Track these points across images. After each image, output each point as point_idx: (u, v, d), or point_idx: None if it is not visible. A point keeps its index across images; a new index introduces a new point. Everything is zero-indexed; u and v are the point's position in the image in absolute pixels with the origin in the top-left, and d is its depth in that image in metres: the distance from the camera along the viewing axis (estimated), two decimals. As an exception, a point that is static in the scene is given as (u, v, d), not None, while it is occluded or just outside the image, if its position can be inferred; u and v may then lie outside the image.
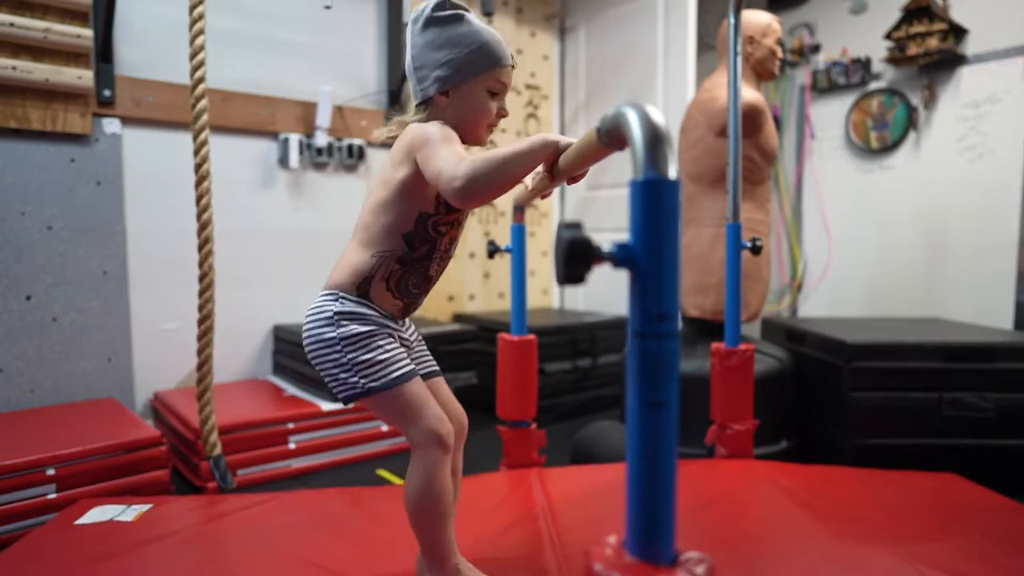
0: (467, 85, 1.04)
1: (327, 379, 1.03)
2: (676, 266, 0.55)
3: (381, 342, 1.02)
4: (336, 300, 1.02)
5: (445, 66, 1.03)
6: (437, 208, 1.03)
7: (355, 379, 1.00)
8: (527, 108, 3.55)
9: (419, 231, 1.03)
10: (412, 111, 1.09)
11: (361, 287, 1.03)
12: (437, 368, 1.16)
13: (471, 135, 1.06)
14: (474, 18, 1.04)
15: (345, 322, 1.01)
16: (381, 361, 1.00)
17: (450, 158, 0.94)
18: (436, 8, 1.03)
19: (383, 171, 1.05)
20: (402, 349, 1.06)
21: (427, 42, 1.04)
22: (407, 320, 1.13)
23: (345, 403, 1.03)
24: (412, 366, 1.04)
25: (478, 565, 1.28)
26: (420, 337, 1.17)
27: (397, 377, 1.00)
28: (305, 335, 1.04)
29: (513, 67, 1.07)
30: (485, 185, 0.90)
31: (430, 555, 1.07)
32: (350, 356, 1.00)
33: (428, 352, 1.17)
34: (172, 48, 2.29)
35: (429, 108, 1.06)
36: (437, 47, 1.03)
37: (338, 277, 1.04)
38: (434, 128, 0.99)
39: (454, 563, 1.08)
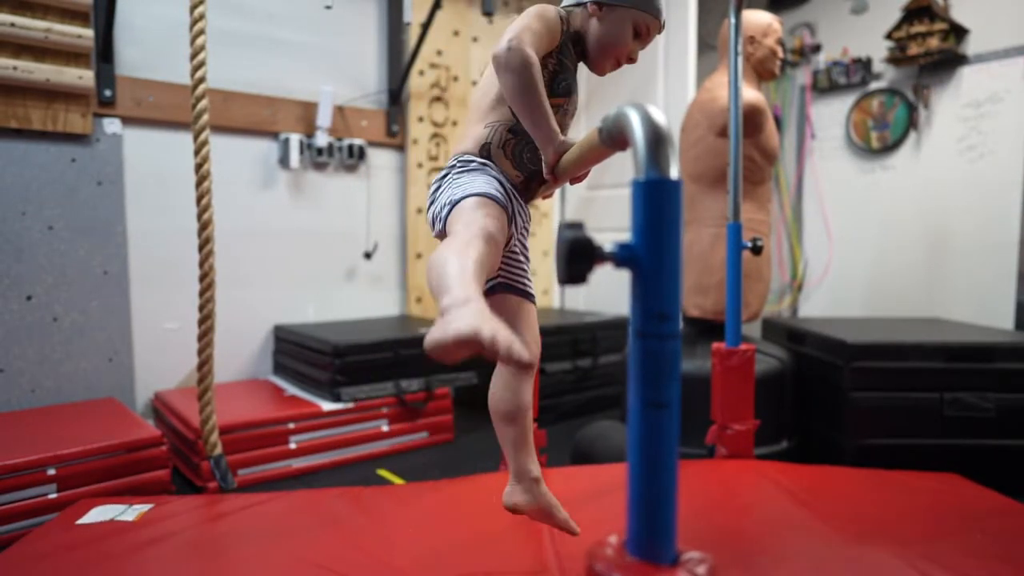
0: (622, 10, 1.06)
1: (436, 206, 1.02)
2: (677, 266, 0.55)
3: (486, 174, 1.03)
4: (458, 159, 1.06)
5: None
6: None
7: (446, 198, 0.99)
8: (528, 108, 3.55)
9: None
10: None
11: (483, 151, 1.06)
12: (529, 288, 1.13)
13: (599, 58, 1.10)
14: None
15: (464, 169, 1.04)
16: (470, 183, 1.00)
17: (527, 29, 0.99)
18: None
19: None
20: (502, 189, 1.02)
21: None
22: (527, 211, 1.13)
23: (438, 236, 1.00)
24: (501, 195, 1.00)
25: (477, 565, 1.28)
26: (526, 239, 1.15)
27: (476, 193, 0.97)
28: (428, 203, 1.06)
29: (661, 30, 1.11)
30: (513, 70, 0.96)
31: (454, 282, 0.79)
32: (451, 183, 1.02)
33: (528, 260, 1.15)
34: (173, 48, 2.29)
35: (579, 8, 1.09)
36: None
37: (463, 145, 1.08)
38: (537, 6, 1.03)
39: (477, 292, 0.79)
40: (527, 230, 1.15)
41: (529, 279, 1.14)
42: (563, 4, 1.11)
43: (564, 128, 1.11)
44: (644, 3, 1.07)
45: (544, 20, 1.02)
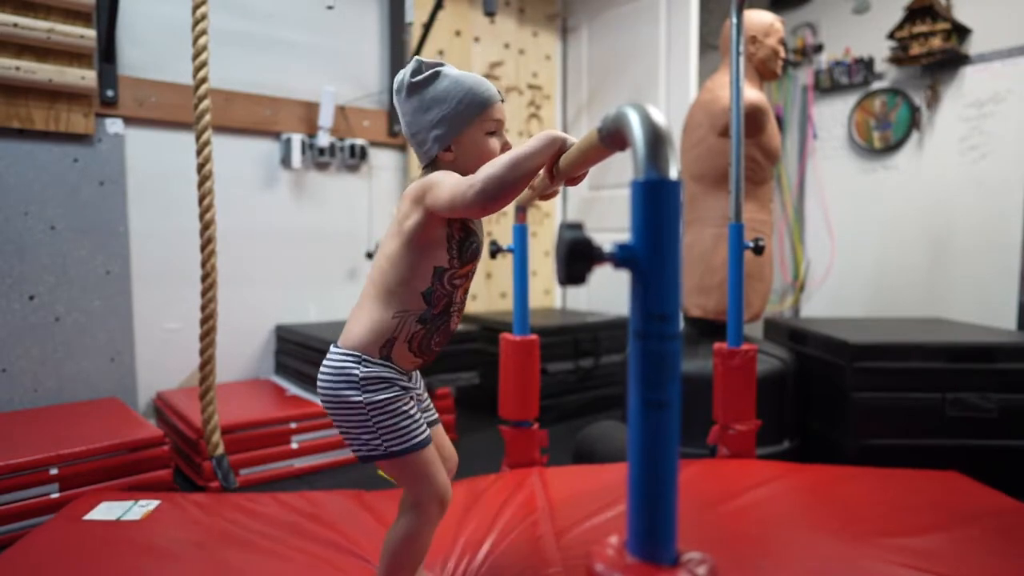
0: (466, 134, 1.04)
1: (347, 438, 1.04)
2: (677, 267, 0.55)
3: (404, 407, 1.03)
4: (359, 363, 1.01)
5: (440, 124, 1.03)
6: (451, 261, 1.03)
7: (377, 441, 1.01)
8: (529, 108, 3.55)
9: (436, 288, 1.03)
10: (420, 173, 1.09)
11: (384, 349, 1.02)
12: (437, 416, 1.19)
13: None
14: (451, 69, 1.05)
15: (371, 388, 1.01)
16: (405, 427, 1.02)
17: (460, 180, 0.95)
18: (413, 74, 1.04)
19: (391, 228, 1.05)
20: (419, 414, 1.06)
21: (415, 108, 1.05)
22: (415, 375, 1.13)
23: (362, 462, 1.05)
24: (428, 431, 1.06)
25: (478, 565, 1.29)
26: (423, 387, 1.18)
27: (417, 443, 1.02)
28: (325, 392, 1.03)
29: (503, 101, 1.07)
30: (501, 184, 0.91)
31: None
32: (376, 421, 1.01)
33: (429, 398, 1.18)
34: (175, 48, 2.29)
35: (437, 167, 1.06)
36: (426, 109, 1.04)
37: (359, 337, 1.03)
38: (437, 173, 1.00)
39: None
40: (423, 394, 1.15)
41: (431, 404, 1.17)
42: (422, 175, 1.06)
43: (467, 292, 1.10)
44: (476, 107, 1.03)
45: (444, 173, 0.99)
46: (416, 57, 1.06)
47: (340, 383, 1.02)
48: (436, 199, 0.97)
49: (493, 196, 0.91)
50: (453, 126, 1.03)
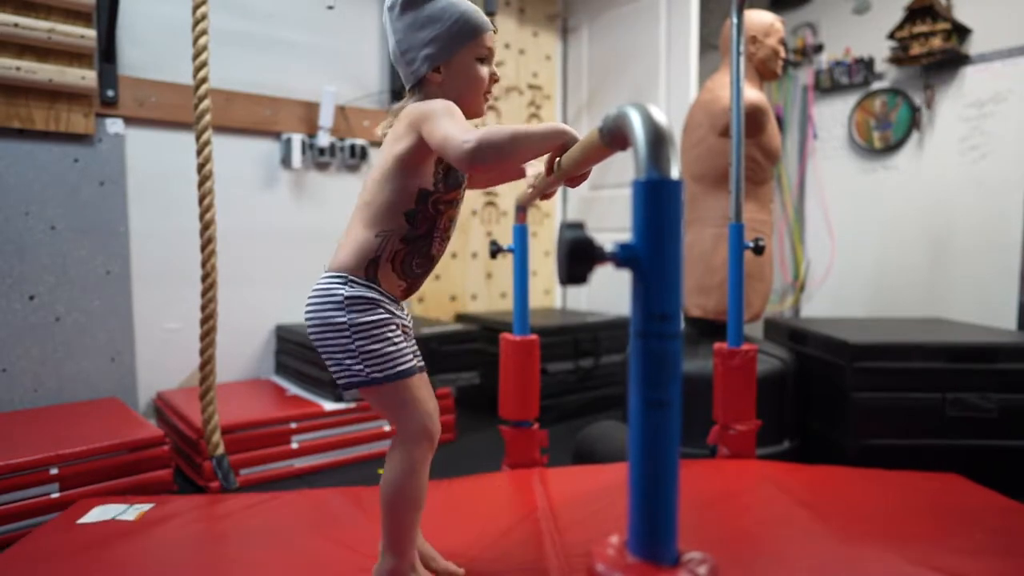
0: (457, 56, 1.05)
1: (330, 363, 1.03)
2: (678, 266, 0.55)
3: (390, 333, 1.02)
4: (345, 283, 1.02)
5: (432, 43, 1.04)
6: (436, 185, 1.04)
7: (360, 367, 1.00)
8: (530, 108, 3.55)
9: (420, 209, 1.04)
10: (407, 97, 1.10)
11: (369, 269, 1.03)
12: (423, 363, 1.17)
13: (471, 105, 1.08)
14: None
15: (356, 308, 1.01)
16: (388, 353, 1.01)
17: (459, 125, 0.95)
18: None
19: (383, 149, 1.06)
20: (408, 344, 1.06)
21: (408, 25, 1.05)
22: (405, 304, 1.13)
23: (344, 389, 1.03)
24: (415, 361, 1.05)
25: (478, 564, 1.28)
26: (411, 318, 1.17)
27: (402, 371, 1.01)
28: (311, 316, 1.03)
29: (495, 31, 1.08)
30: (495, 151, 0.90)
31: (394, 545, 1.08)
32: (359, 344, 1.00)
33: (415, 342, 1.17)
34: (175, 48, 2.29)
35: (424, 88, 1.07)
36: (419, 27, 1.04)
37: (345, 258, 1.04)
38: (438, 102, 1.00)
39: (413, 555, 1.10)
40: (410, 325, 1.14)
41: (416, 348, 1.14)
42: (408, 100, 1.07)
43: (453, 221, 1.10)
44: (470, 31, 1.04)
45: (444, 103, 0.99)
46: None
47: (326, 304, 1.02)
48: (431, 133, 0.97)
49: (483, 159, 0.91)
50: (446, 46, 1.04)
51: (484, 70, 1.07)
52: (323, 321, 1.02)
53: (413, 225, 1.04)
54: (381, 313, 1.02)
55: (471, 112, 1.08)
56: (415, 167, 1.03)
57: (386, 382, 1.01)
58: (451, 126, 0.95)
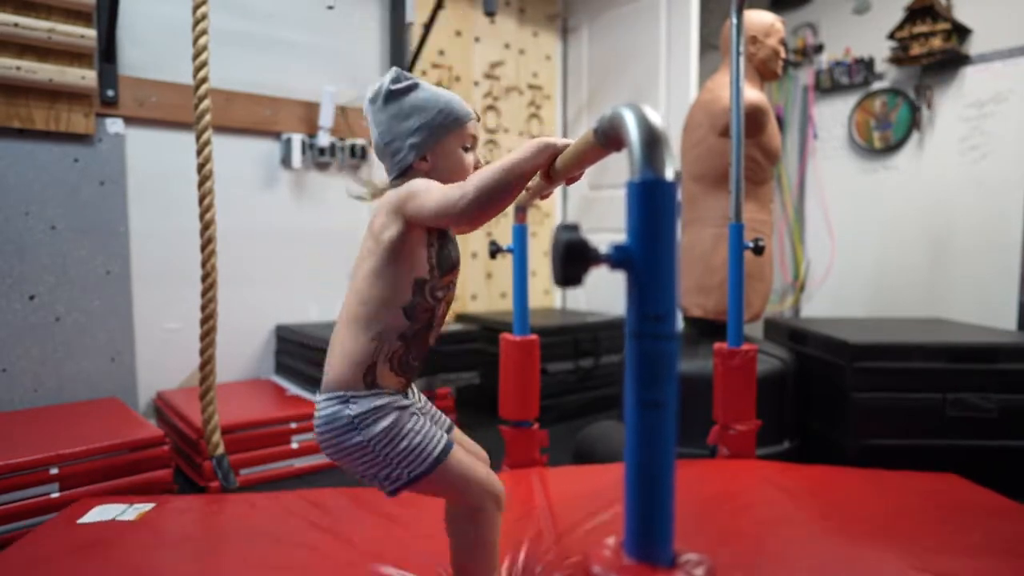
0: (443, 144, 1.03)
1: (367, 480, 0.99)
2: (673, 267, 0.55)
3: (409, 425, 0.97)
4: (346, 403, 0.96)
5: (418, 132, 1.02)
6: (431, 272, 1.00)
7: (398, 472, 0.96)
8: (530, 108, 3.55)
9: (418, 301, 0.99)
10: (388, 187, 1.06)
11: (367, 377, 0.97)
12: (451, 422, 1.13)
13: None
14: (427, 83, 1.06)
15: (367, 422, 0.96)
16: (417, 446, 0.96)
17: (448, 188, 0.93)
18: (393, 82, 1.04)
19: (366, 243, 1.02)
20: (428, 421, 1.02)
21: (392, 115, 1.04)
22: (411, 390, 1.08)
23: (392, 495, 0.99)
24: (446, 437, 1.00)
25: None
26: (424, 399, 1.13)
27: (439, 455, 0.97)
28: (325, 446, 0.98)
29: (478, 119, 1.07)
30: (493, 193, 0.89)
31: None
32: (385, 452, 0.96)
33: (437, 410, 1.14)
34: (175, 48, 2.29)
35: (409, 177, 1.04)
36: (404, 116, 1.03)
37: (340, 373, 0.98)
38: (416, 181, 0.98)
39: None
40: (426, 406, 1.10)
41: (442, 414, 1.13)
42: (392, 186, 1.05)
43: (448, 305, 1.06)
44: (455, 119, 1.03)
45: (424, 180, 0.98)
46: (394, 68, 1.06)
47: (334, 431, 0.96)
48: (420, 207, 0.94)
49: (485, 205, 0.90)
50: (433, 133, 1.03)
51: (469, 157, 1.05)
52: (339, 448, 0.97)
53: (412, 320, 0.99)
54: (394, 414, 0.97)
55: None
56: (408, 255, 0.98)
57: (431, 472, 0.96)
58: (441, 192, 0.93)
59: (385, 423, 0.96)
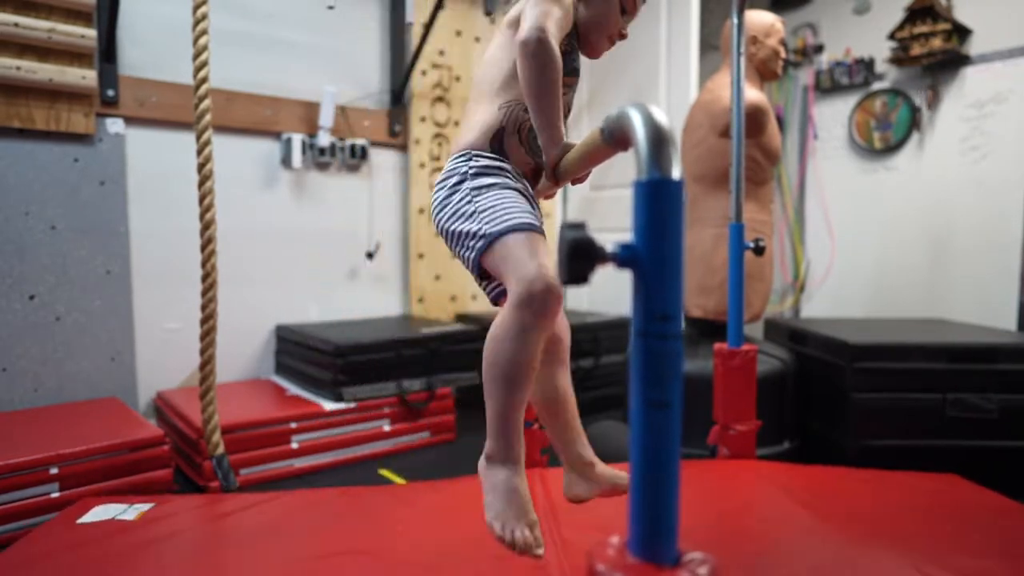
0: None
1: (455, 247, 0.98)
2: (679, 266, 0.55)
3: (512, 186, 0.98)
4: (468, 159, 1.00)
5: None
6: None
7: (477, 227, 0.93)
8: (530, 108, 3.55)
9: None
10: None
11: (494, 141, 1.01)
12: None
13: (593, 40, 1.08)
14: None
15: (481, 174, 0.98)
16: (506, 206, 0.94)
17: (548, 16, 0.95)
18: None
19: (496, 37, 1.07)
20: (532, 207, 1.00)
21: None
22: (537, 202, 1.08)
23: (480, 279, 0.98)
24: (538, 222, 0.97)
25: (478, 564, 1.28)
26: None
27: (516, 225, 0.92)
28: (437, 202, 1.01)
29: (645, 1, 1.10)
30: (542, 65, 0.92)
31: (491, 426, 0.95)
32: (476, 202, 0.95)
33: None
34: (176, 48, 2.29)
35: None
36: None
37: (467, 137, 1.02)
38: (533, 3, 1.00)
39: (516, 445, 0.95)
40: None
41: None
42: None
43: (567, 108, 1.09)
44: None
45: (561, 3, 1.00)
46: None
47: (449, 184, 0.99)
48: (526, 13, 0.97)
49: (532, 54, 0.93)
50: None
51: (619, 18, 1.07)
52: (446, 202, 0.98)
53: None
54: (506, 177, 0.98)
55: (589, 46, 1.09)
56: None
57: (500, 236, 0.91)
58: (542, 11, 0.94)
59: (490, 180, 0.97)
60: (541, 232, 0.95)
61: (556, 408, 1.07)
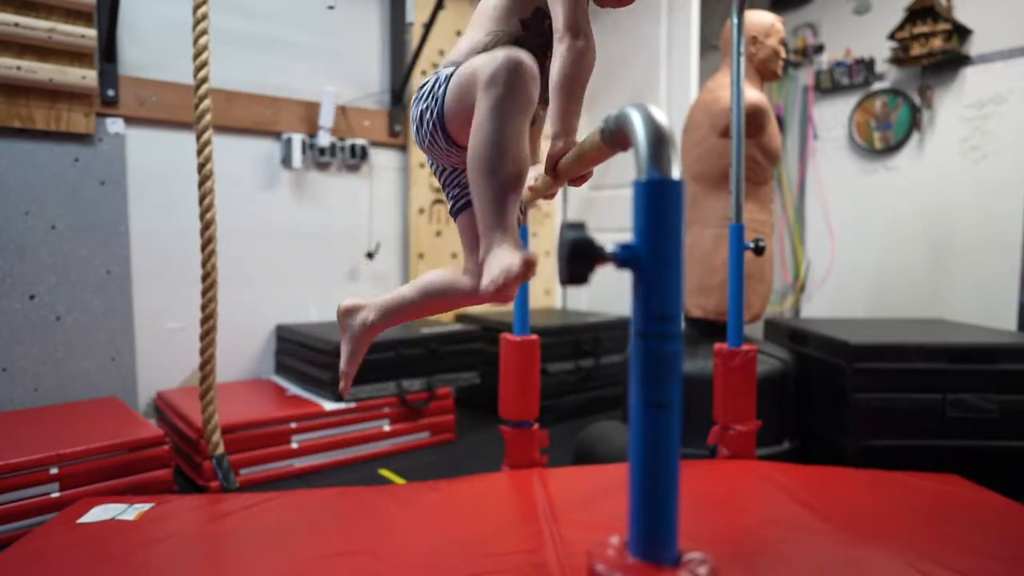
0: None
1: (426, 122, 1.00)
2: (679, 267, 0.55)
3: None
4: (452, 68, 1.00)
5: None
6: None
7: (443, 78, 0.98)
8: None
9: (535, 23, 1.03)
10: None
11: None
12: None
13: None
14: None
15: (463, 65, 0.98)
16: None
17: (580, 7, 0.95)
18: None
19: None
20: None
21: None
22: None
23: (443, 174, 1.01)
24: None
25: (478, 564, 1.28)
26: None
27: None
28: (413, 117, 1.02)
29: None
30: (582, 56, 0.95)
31: (492, 222, 0.91)
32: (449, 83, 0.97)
33: None
34: (176, 48, 2.29)
35: None
36: None
37: (451, 57, 1.04)
38: None
39: (517, 238, 0.93)
40: None
41: None
42: None
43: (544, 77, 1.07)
44: None
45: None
46: None
47: (427, 88, 1.00)
48: None
49: (578, 51, 0.94)
50: None
51: None
52: (420, 97, 1.00)
53: (528, 32, 1.03)
54: None
55: None
56: None
57: (463, 64, 0.96)
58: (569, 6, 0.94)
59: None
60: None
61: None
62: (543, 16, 1.03)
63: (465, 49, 1.04)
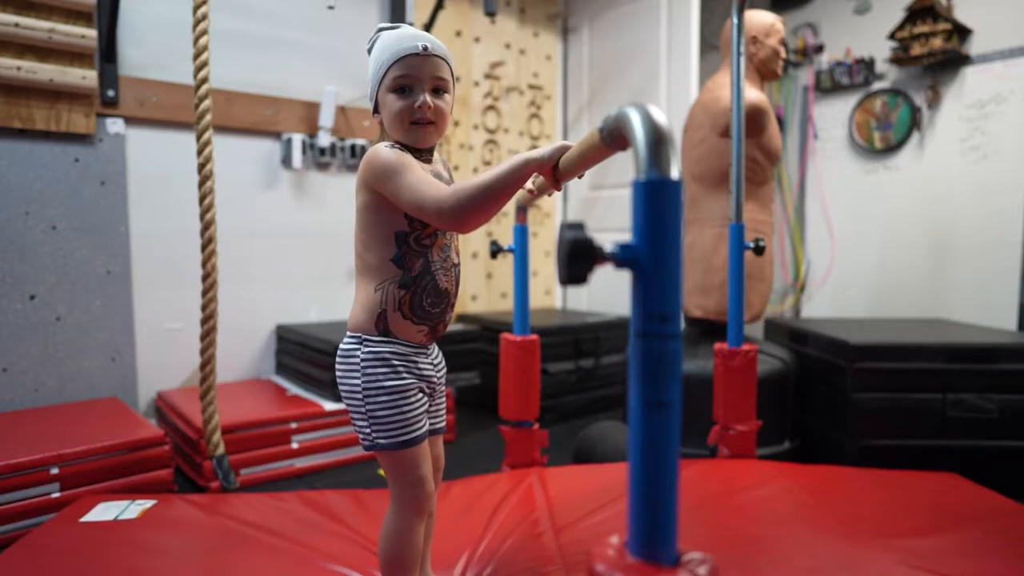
0: (379, 97, 1.06)
1: (354, 428, 1.05)
2: (678, 267, 0.55)
3: (401, 401, 1.01)
4: (360, 343, 1.02)
5: (371, 88, 1.08)
6: (412, 224, 1.01)
7: (368, 431, 1.02)
8: (530, 108, 3.55)
9: (404, 252, 1.01)
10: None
11: (379, 324, 1.01)
12: (443, 424, 1.16)
13: (398, 135, 1.04)
14: (388, 32, 1.06)
15: (371, 370, 1.00)
16: (396, 421, 1.01)
17: (424, 187, 0.93)
18: (369, 42, 1.09)
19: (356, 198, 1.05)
20: (421, 407, 1.04)
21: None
22: (434, 348, 1.11)
23: (365, 450, 1.05)
24: (423, 430, 1.04)
25: (478, 565, 1.28)
26: (444, 365, 1.14)
27: (404, 441, 1.01)
28: (338, 380, 1.04)
29: (421, 53, 1.01)
30: (473, 206, 0.91)
31: None
32: (369, 409, 1.01)
33: (444, 396, 1.15)
34: (176, 48, 2.29)
35: (380, 129, 1.10)
36: (370, 74, 1.09)
37: (356, 318, 1.03)
38: (386, 155, 0.97)
39: None
40: (441, 377, 1.12)
41: (444, 405, 1.15)
42: (380, 142, 1.05)
43: (447, 249, 1.06)
44: (382, 67, 1.04)
45: (392, 155, 0.97)
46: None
47: (346, 368, 1.03)
48: (396, 196, 0.96)
49: (464, 217, 0.92)
50: (373, 90, 1.08)
51: (402, 102, 1.02)
52: (343, 383, 1.03)
53: (405, 268, 1.01)
54: (394, 379, 1.01)
55: (400, 138, 1.04)
56: (384, 212, 1.00)
57: (391, 449, 1.01)
58: (416, 192, 0.93)
59: (386, 383, 1.01)
60: (422, 440, 1.03)
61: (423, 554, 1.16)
62: (405, 238, 1.01)
63: (364, 309, 1.02)
